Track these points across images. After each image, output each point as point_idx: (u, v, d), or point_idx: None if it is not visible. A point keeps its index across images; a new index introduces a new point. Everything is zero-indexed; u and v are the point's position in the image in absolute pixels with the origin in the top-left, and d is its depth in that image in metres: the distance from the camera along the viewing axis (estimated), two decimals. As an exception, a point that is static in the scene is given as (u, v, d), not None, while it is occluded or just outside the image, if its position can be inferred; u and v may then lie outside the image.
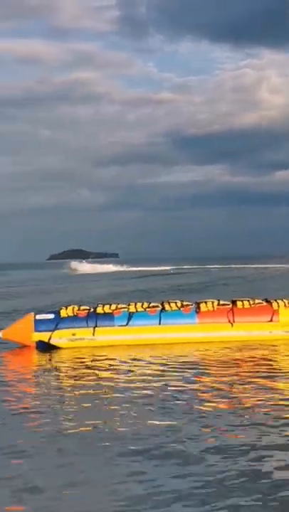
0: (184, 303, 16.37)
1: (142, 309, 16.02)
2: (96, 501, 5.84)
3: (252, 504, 5.74)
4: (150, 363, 13.05)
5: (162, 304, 16.27)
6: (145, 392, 10.21)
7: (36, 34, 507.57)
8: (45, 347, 15.45)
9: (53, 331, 15.60)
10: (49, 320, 15.82)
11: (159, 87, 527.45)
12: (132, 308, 16.03)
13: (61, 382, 11.61)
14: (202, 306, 16.24)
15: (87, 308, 16.13)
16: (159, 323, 15.92)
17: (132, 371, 12.28)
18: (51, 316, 15.97)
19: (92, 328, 15.67)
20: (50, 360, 14.17)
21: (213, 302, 16.36)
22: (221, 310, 16.23)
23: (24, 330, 15.75)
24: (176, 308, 16.12)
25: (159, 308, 16.11)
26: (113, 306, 16.06)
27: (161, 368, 12.47)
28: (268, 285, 42.30)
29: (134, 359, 13.66)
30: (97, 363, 13.26)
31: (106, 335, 15.62)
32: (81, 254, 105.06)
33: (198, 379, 11.36)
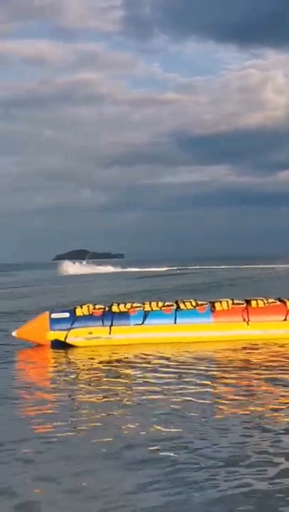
0: (199, 302, 16.44)
1: (158, 308, 16.08)
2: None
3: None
4: (168, 365, 12.80)
5: (177, 303, 16.32)
6: (162, 397, 9.85)
7: (41, 34, 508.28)
8: (60, 345, 15.45)
9: (69, 329, 15.61)
10: (64, 319, 15.85)
11: (163, 88, 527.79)
12: (147, 307, 16.08)
13: (76, 385, 11.25)
14: (217, 305, 16.30)
15: (102, 307, 16.16)
16: (175, 322, 15.98)
17: (150, 373, 11.98)
18: (66, 314, 16.00)
19: (108, 327, 15.70)
20: (67, 362, 13.93)
21: (227, 301, 16.43)
22: (235, 309, 16.31)
23: (39, 329, 15.76)
24: (191, 308, 16.19)
25: (174, 307, 16.17)
26: (128, 305, 16.11)
27: (179, 370, 12.17)
28: (275, 285, 42.35)
29: (151, 358, 13.60)
30: (114, 366, 13.01)
31: (122, 334, 15.65)
32: (86, 255, 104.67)
33: (214, 382, 10.99)
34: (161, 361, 13.22)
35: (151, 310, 16.03)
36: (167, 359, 13.48)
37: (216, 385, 10.82)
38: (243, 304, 16.48)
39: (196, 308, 16.22)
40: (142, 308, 16.07)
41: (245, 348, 14.80)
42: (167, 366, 12.64)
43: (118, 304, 16.14)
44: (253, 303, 16.44)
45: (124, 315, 15.91)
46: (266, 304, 16.47)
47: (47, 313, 16.28)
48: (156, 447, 7.26)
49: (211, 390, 10.44)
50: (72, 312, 15.97)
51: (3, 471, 6.66)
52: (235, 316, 16.22)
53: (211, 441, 7.51)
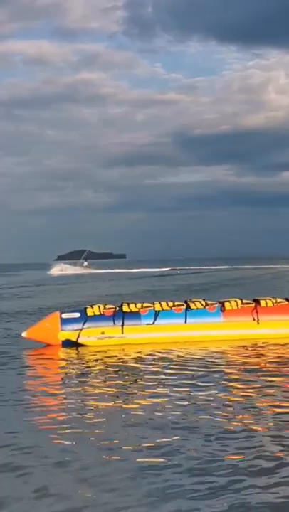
0: (208, 302, 16.57)
1: (168, 308, 16.20)
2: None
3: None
4: (182, 366, 12.68)
5: (186, 303, 16.44)
6: (173, 403, 9.48)
7: (44, 35, 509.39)
8: (70, 345, 15.50)
9: (80, 329, 15.70)
10: (75, 319, 15.93)
11: (166, 88, 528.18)
12: (157, 307, 16.20)
13: (91, 387, 11.03)
14: (226, 304, 16.45)
15: (113, 307, 16.26)
16: (185, 322, 16.10)
17: (161, 374, 11.87)
18: (77, 314, 16.07)
19: (120, 327, 15.80)
20: (78, 362, 13.78)
21: (236, 301, 16.57)
22: (245, 309, 16.46)
23: (50, 329, 15.81)
24: (201, 307, 16.31)
25: (184, 307, 16.29)
26: (138, 305, 16.22)
27: (192, 372, 11.97)
28: (279, 284, 42.47)
29: (164, 359, 13.64)
30: (126, 368, 12.74)
31: (134, 333, 15.77)
32: (87, 255, 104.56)
33: (226, 387, 10.76)
34: (177, 361, 13.24)
35: (162, 310, 16.15)
36: (182, 357, 13.56)
37: (228, 386, 10.76)
38: (252, 303, 16.63)
39: (206, 307, 16.35)
40: (152, 308, 16.18)
41: (255, 347, 14.96)
42: (181, 366, 12.61)
43: (128, 304, 16.25)
44: (262, 302, 16.60)
45: (135, 315, 16.02)
46: (275, 304, 16.63)
47: (57, 313, 16.33)
48: (167, 456, 7.03)
49: (223, 391, 10.34)
50: (83, 312, 16.05)
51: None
52: (245, 315, 16.38)
53: (217, 452, 7.23)
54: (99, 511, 5.74)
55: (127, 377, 11.79)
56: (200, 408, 9.17)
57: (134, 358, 13.83)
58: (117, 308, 16.19)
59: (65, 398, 10.17)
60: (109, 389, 10.68)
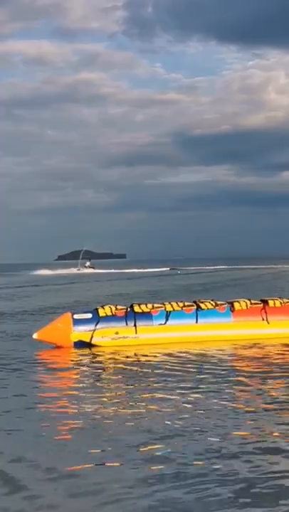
0: (218, 302, 16.85)
1: (179, 308, 16.45)
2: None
3: None
4: (199, 367, 12.70)
5: (196, 303, 16.70)
6: (183, 411, 9.13)
7: (44, 35, 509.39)
8: (83, 346, 15.62)
9: (93, 330, 15.89)
10: (88, 319, 16.09)
11: (166, 88, 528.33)
12: (168, 308, 16.45)
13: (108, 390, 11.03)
14: (236, 305, 16.77)
15: (124, 307, 16.48)
16: (196, 322, 16.37)
17: (175, 376, 11.78)
18: (89, 315, 16.22)
19: (133, 327, 16.03)
20: (92, 363, 13.87)
21: (245, 301, 16.88)
22: (254, 309, 16.78)
23: (62, 330, 15.91)
24: (212, 307, 16.59)
25: (195, 307, 16.55)
26: (149, 306, 16.46)
27: (204, 376, 11.84)
28: (279, 285, 42.68)
29: (177, 360, 13.74)
30: (142, 372, 12.49)
31: (147, 333, 16.01)
32: (87, 255, 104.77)
33: (237, 384, 10.87)
34: (191, 361, 13.40)
35: (173, 310, 16.40)
36: (197, 362, 13.48)
37: (238, 387, 10.72)
38: (260, 304, 16.93)
39: (216, 308, 16.63)
40: (163, 309, 16.43)
41: (264, 346, 15.26)
42: (194, 375, 12.17)
43: (139, 305, 16.49)
44: (271, 303, 16.95)
45: (147, 315, 16.26)
46: (283, 304, 16.96)
47: (69, 314, 16.44)
48: (177, 463, 6.88)
49: (230, 393, 10.29)
50: (95, 313, 16.22)
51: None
52: (255, 315, 16.69)
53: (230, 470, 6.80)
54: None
55: (142, 379, 11.68)
56: (212, 413, 8.91)
57: (149, 360, 13.85)
58: (129, 309, 16.41)
59: (80, 403, 9.80)
60: (124, 392, 10.58)
